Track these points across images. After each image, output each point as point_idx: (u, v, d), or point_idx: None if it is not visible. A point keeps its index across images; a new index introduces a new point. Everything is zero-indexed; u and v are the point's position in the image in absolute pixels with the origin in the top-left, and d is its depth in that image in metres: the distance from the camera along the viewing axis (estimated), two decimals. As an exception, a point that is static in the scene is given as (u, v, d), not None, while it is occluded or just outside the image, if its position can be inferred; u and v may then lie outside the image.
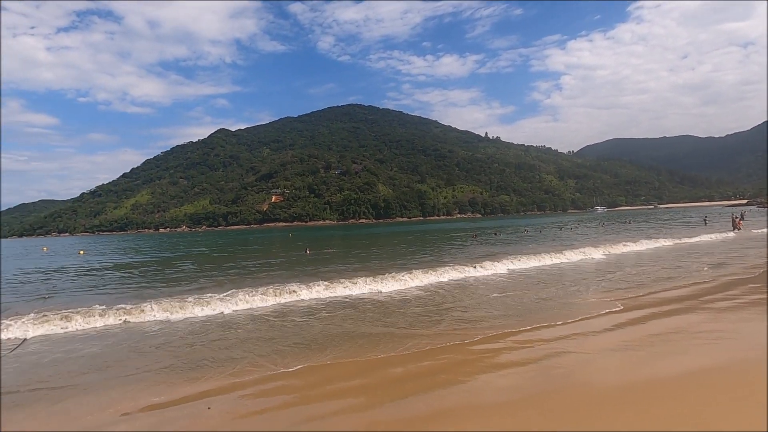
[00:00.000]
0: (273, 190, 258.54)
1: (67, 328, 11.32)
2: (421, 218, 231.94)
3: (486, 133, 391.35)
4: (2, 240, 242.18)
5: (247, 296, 13.80)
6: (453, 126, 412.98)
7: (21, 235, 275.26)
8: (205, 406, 6.20)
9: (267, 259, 32.45)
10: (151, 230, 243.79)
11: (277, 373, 7.55)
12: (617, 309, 11.19)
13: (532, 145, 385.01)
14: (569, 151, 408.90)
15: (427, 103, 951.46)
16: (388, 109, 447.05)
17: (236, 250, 43.63)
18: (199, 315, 12.30)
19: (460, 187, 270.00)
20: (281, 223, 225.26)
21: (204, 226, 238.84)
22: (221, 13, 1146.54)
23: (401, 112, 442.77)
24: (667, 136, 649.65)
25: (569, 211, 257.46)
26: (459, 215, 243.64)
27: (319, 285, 15.23)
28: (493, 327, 9.92)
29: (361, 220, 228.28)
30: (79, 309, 12.76)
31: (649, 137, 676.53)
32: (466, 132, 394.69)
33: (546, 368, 7.26)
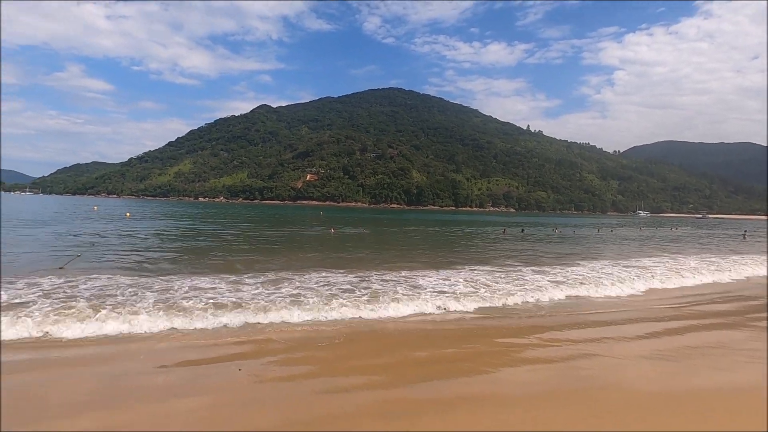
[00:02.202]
0: (308, 169, 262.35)
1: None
2: (453, 208, 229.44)
3: (528, 126, 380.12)
4: (59, 196, 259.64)
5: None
6: (494, 116, 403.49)
7: (74, 193, 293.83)
8: (236, 368, 6.50)
9: (294, 241, 33.15)
10: (191, 198, 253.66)
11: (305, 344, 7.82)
12: (653, 317, 10.77)
13: (575, 142, 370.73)
14: (615, 151, 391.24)
15: (469, 91, 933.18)
16: (428, 95, 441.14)
17: (284, 234, 44.78)
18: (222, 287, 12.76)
19: (496, 180, 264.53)
20: (314, 202, 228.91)
21: (240, 199, 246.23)
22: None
23: (442, 98, 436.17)
24: (726, 142, 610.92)
25: (609, 213, 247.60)
26: (492, 208, 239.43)
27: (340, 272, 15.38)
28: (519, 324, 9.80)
29: (392, 205, 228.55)
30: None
31: (705, 142, 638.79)
32: (507, 123, 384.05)
33: (572, 368, 7.13)
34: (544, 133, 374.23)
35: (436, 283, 13.61)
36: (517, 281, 14.61)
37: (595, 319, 10.56)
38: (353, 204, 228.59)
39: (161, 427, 4.83)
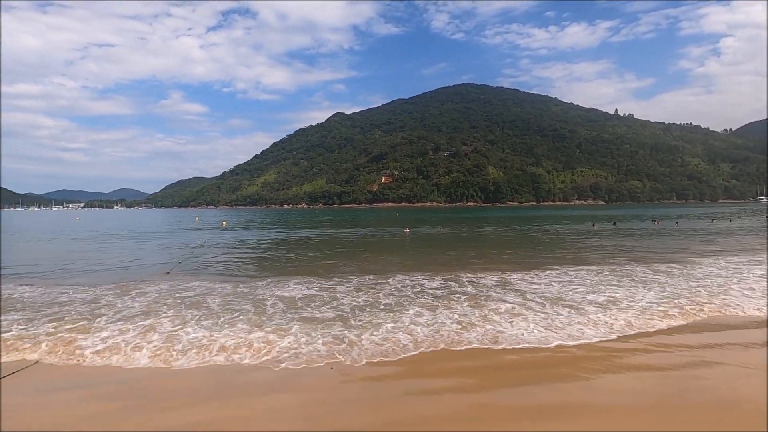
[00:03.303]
0: (383, 171, 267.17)
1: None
2: (534, 203, 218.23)
3: (616, 110, 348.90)
4: (167, 209, 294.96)
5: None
6: (576, 103, 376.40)
7: (180, 206, 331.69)
8: (329, 367, 6.77)
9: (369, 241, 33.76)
10: (276, 205, 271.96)
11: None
12: (791, 320, 9.18)
13: (674, 123, 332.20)
14: (725, 130, 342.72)
15: (546, 79, 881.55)
16: (502, 88, 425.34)
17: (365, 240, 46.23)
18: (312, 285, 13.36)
19: (581, 171, 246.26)
20: (390, 203, 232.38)
21: (320, 204, 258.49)
22: (341, 1, 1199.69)
23: (517, 90, 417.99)
24: None
25: (720, 200, 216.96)
26: (578, 201, 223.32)
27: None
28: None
29: (468, 203, 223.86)
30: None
31: None
32: (591, 110, 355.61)
33: (688, 378, 6.34)
34: (635, 116, 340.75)
35: (536, 286, 12.47)
36: (625, 278, 13.50)
37: (719, 322, 9.27)
38: (428, 204, 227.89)
39: (262, 420, 5.19)
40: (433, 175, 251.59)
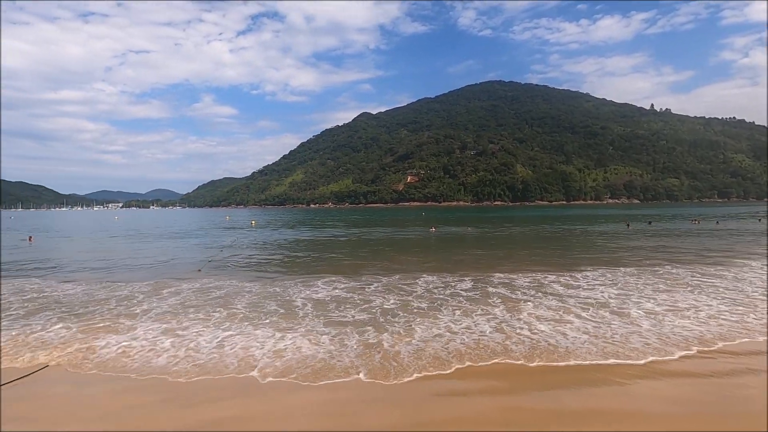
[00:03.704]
0: (409, 171, 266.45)
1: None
2: (564, 202, 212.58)
3: (652, 105, 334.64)
4: (199, 209, 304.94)
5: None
6: (608, 99, 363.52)
7: (211, 206, 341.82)
8: (359, 377, 6.83)
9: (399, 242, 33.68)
10: (303, 205, 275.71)
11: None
12: None
13: (715, 118, 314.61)
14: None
15: (577, 75, 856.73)
16: (530, 84, 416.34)
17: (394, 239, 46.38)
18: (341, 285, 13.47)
19: (614, 169, 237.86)
20: (416, 203, 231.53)
21: (347, 203, 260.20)
22: (367, 2, 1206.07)
23: (546, 86, 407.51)
24: None
25: (767, 199, 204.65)
26: (610, 200, 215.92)
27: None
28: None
29: (496, 202, 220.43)
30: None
31: None
32: (625, 105, 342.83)
33: (729, 386, 6.06)
34: (672, 111, 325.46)
35: (573, 290, 11.94)
36: (669, 281, 12.99)
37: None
38: (455, 203, 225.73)
39: (290, 416, 5.30)
40: (459, 174, 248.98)
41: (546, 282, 13.21)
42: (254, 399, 5.83)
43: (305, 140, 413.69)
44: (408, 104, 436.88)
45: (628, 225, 39.60)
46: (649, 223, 42.22)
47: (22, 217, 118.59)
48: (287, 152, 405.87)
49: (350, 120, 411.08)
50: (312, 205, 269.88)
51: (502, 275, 14.41)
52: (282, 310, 10.16)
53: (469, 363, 6.85)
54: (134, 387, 6.22)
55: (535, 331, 8.39)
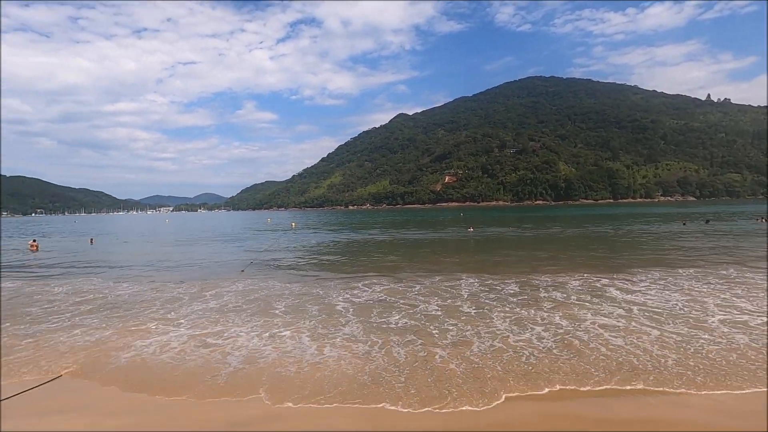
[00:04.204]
0: (446, 171, 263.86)
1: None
2: (611, 201, 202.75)
3: (708, 95, 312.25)
4: (243, 211, 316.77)
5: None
6: (659, 90, 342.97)
7: (254, 209, 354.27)
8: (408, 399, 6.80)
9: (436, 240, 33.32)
10: (341, 207, 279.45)
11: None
12: None
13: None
14: None
15: (624, 66, 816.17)
16: (573, 79, 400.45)
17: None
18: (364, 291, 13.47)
19: (666, 164, 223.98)
20: (454, 203, 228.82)
21: (384, 205, 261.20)
22: (402, 2, 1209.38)
23: (590, 80, 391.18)
24: None
25: None
26: (663, 198, 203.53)
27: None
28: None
29: (537, 202, 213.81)
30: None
31: None
32: (678, 96, 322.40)
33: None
34: (732, 101, 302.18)
35: (631, 295, 11.05)
36: (739, 285, 12.02)
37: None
38: (494, 203, 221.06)
39: (323, 416, 5.34)
40: (498, 174, 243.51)
41: (599, 285, 12.54)
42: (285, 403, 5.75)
43: (343, 143, 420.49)
44: (444, 104, 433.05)
45: (684, 224, 37.13)
46: (707, 222, 39.25)
47: (84, 221, 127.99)
48: (325, 155, 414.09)
49: (387, 121, 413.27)
50: (350, 207, 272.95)
51: (547, 277, 13.93)
52: (323, 316, 9.91)
53: (560, 387, 5.98)
54: (138, 408, 5.79)
55: (611, 346, 7.40)
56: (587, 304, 10.42)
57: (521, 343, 7.72)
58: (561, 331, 8.39)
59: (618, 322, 8.91)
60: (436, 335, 8.30)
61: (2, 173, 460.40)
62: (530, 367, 6.65)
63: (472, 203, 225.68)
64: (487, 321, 9.19)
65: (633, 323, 8.77)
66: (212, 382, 6.42)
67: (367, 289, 12.96)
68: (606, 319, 9.12)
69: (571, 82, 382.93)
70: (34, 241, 31.64)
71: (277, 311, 10.50)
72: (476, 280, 13.76)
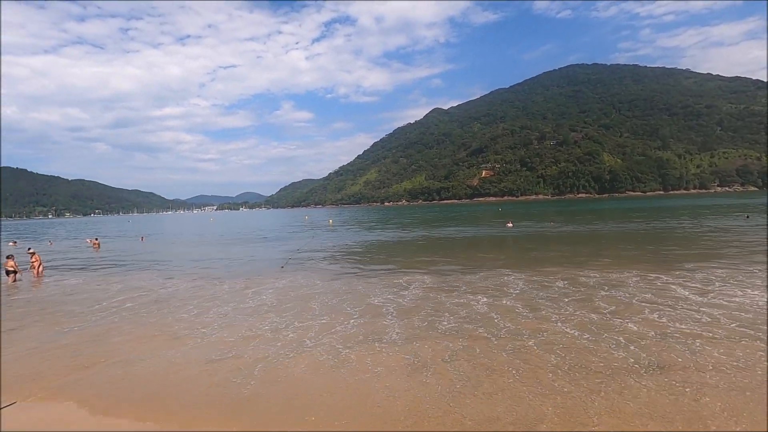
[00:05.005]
0: (483, 165, 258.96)
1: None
2: (662, 192, 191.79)
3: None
4: (282, 209, 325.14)
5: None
6: (714, 73, 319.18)
7: (292, 206, 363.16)
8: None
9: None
10: (378, 203, 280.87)
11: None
12: None
13: None
14: None
15: (675, 49, 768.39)
16: (617, 65, 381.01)
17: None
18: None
19: (723, 153, 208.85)
20: (491, 198, 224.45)
21: (420, 200, 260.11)
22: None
23: (636, 65, 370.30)
24: None
25: None
26: (720, 188, 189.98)
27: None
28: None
29: (580, 195, 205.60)
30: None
31: None
32: (736, 78, 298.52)
33: None
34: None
35: (703, 297, 9.90)
36: None
37: None
38: (533, 197, 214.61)
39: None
40: (538, 167, 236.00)
41: (659, 284, 11.50)
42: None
43: (378, 139, 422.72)
44: (480, 96, 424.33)
45: (747, 216, 34.20)
46: (747, 217, 34.81)
47: (136, 221, 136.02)
48: (361, 152, 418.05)
49: (421, 117, 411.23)
50: (386, 203, 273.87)
51: (596, 274, 13.17)
52: (363, 320, 9.27)
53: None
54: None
55: (721, 367, 6.03)
56: (652, 306, 9.39)
57: (610, 359, 6.46)
58: (645, 343, 7.11)
59: (698, 327, 7.78)
60: (495, 344, 7.37)
61: (65, 178, 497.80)
62: (639, 405, 5.10)
63: (510, 198, 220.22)
64: (547, 325, 8.30)
65: (719, 330, 7.62)
66: (241, 408, 5.47)
67: (409, 287, 12.64)
68: (691, 326, 7.91)
69: (615, 69, 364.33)
70: (96, 239, 35.26)
71: (314, 312, 10.25)
72: (521, 276, 13.30)
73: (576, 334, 7.75)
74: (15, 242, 40.34)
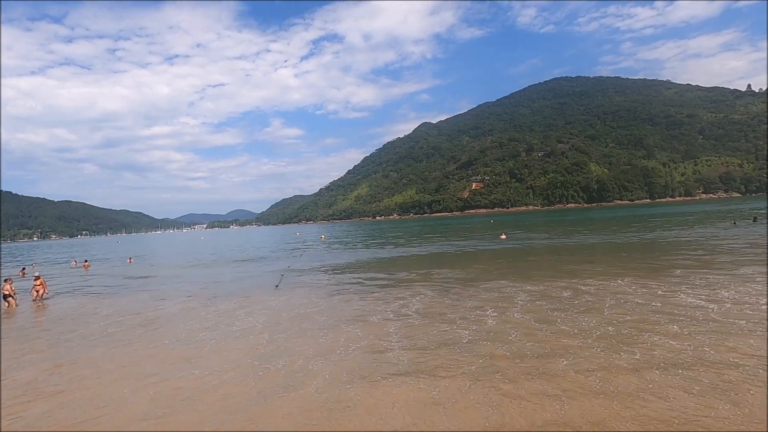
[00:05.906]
0: (473, 177, 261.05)
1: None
2: (648, 201, 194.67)
3: (749, 85, 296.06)
4: (273, 226, 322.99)
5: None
6: (694, 83, 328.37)
7: (283, 223, 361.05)
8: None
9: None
10: (369, 218, 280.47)
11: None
12: None
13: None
14: None
15: (654, 62, 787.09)
16: (601, 77, 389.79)
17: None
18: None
19: (706, 160, 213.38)
20: (482, 210, 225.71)
21: (411, 214, 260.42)
22: (422, 12, 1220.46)
23: (618, 77, 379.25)
24: None
25: None
26: (704, 195, 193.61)
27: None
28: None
29: (568, 205, 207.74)
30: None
31: None
32: (715, 88, 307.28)
33: None
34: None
35: (717, 304, 9.83)
36: None
37: None
38: (524, 208, 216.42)
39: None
40: (527, 178, 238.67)
41: (667, 294, 11.38)
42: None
43: (368, 154, 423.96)
44: (468, 110, 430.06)
45: (733, 223, 34.84)
46: (754, 219, 35.92)
47: (125, 241, 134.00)
48: (351, 167, 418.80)
49: (411, 131, 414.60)
50: (378, 218, 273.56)
51: (598, 282, 13.22)
52: (366, 341, 8.85)
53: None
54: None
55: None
56: (666, 316, 9.17)
57: (643, 384, 5.97)
58: (672, 356, 6.83)
59: (719, 337, 7.58)
60: (511, 364, 7.01)
61: (51, 199, 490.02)
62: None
63: (501, 209, 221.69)
64: (561, 339, 8.06)
65: (751, 340, 7.43)
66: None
67: (410, 303, 12.46)
68: (709, 336, 7.70)
69: (598, 81, 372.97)
70: (86, 261, 37.79)
71: (313, 330, 10.10)
72: (525, 287, 13.38)
73: (599, 348, 7.49)
74: (24, 270, 32.51)
